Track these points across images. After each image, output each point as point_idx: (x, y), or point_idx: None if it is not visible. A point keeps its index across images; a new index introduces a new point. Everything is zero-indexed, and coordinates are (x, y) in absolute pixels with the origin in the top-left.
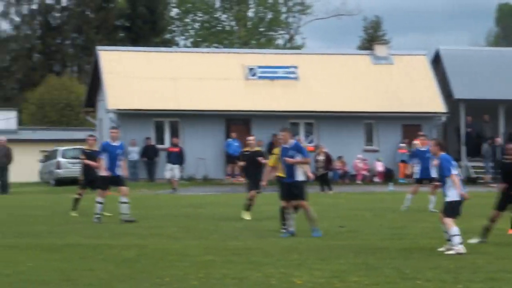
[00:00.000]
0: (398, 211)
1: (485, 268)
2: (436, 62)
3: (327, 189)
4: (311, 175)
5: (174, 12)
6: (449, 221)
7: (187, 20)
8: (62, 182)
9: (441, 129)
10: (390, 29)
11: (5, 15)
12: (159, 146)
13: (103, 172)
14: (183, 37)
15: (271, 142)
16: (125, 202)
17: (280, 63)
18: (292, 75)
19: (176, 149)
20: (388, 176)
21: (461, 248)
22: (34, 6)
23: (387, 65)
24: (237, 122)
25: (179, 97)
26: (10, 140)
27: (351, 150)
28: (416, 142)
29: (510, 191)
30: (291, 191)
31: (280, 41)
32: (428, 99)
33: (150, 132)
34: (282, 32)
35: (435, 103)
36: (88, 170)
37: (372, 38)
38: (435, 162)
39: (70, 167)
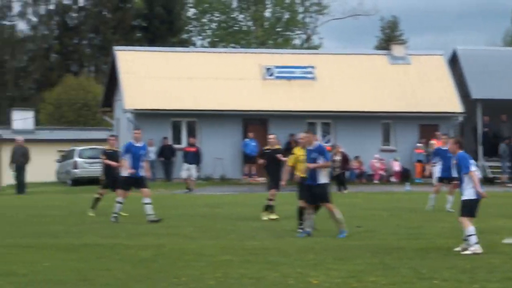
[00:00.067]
0: (415, 211)
1: (501, 267)
2: (453, 62)
3: (342, 189)
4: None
5: (191, 12)
6: (464, 220)
7: (204, 20)
8: (79, 182)
9: (458, 129)
10: (407, 29)
11: (22, 15)
12: (176, 146)
13: (126, 173)
14: (200, 37)
15: (288, 142)
16: (148, 203)
17: (297, 63)
18: (309, 75)
19: (193, 149)
20: (404, 176)
21: (477, 248)
22: (52, 6)
23: (404, 65)
24: (254, 122)
25: (196, 97)
26: (27, 140)
27: (368, 150)
28: (433, 142)
29: None
30: (315, 194)
31: (297, 41)
32: (445, 99)
33: (167, 132)
34: (299, 32)
35: (452, 103)
36: (109, 170)
37: (389, 38)
38: (455, 161)
39: (87, 167)
